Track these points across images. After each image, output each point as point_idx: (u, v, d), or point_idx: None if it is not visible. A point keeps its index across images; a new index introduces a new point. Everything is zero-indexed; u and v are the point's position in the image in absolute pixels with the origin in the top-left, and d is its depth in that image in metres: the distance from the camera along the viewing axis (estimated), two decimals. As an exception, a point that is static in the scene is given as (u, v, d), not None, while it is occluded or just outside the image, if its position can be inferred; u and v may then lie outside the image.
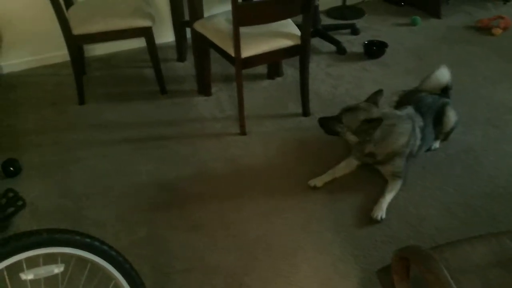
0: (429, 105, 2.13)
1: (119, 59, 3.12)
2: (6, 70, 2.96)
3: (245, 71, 2.28)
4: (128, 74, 2.97)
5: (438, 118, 2.15)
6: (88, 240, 1.09)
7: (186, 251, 1.79)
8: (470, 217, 1.90)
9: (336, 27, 3.42)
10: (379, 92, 2.01)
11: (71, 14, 2.48)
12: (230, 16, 2.07)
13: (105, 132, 2.45)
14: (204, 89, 2.72)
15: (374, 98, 2.01)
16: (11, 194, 1.48)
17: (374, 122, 1.91)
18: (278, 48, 2.27)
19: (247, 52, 2.18)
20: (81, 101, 2.65)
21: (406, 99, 2.22)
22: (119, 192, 2.07)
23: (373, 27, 3.46)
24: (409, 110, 2.09)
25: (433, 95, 2.19)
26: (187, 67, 3.01)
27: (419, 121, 2.06)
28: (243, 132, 2.40)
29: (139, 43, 3.08)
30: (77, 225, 1.89)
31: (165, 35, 3.20)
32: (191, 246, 1.81)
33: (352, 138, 2.00)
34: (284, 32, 2.31)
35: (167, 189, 2.08)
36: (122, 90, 2.80)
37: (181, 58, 3.07)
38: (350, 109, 1.98)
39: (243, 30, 2.09)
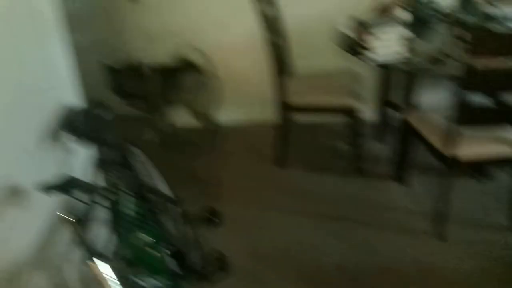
0: None
1: (322, 129, 3.23)
2: (224, 123, 3.33)
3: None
4: (327, 145, 3.05)
5: None
6: None
7: None
8: None
9: None
10: None
11: (290, 85, 2.69)
12: (447, 113, 1.96)
13: (297, 200, 2.52)
14: (399, 176, 2.61)
15: None
16: (218, 256, 1.59)
17: None
18: (496, 154, 2.04)
19: (462, 153, 2.02)
20: (280, 164, 2.81)
21: None
22: (301, 268, 2.08)
23: None
24: None
25: None
26: (385, 148, 2.94)
27: None
28: (439, 235, 2.19)
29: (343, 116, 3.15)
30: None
31: (368, 112, 3.20)
32: None
33: None
34: (506, 138, 2.08)
35: (351, 279, 2.01)
36: (318, 160, 2.89)
37: (380, 138, 3.03)
38: None
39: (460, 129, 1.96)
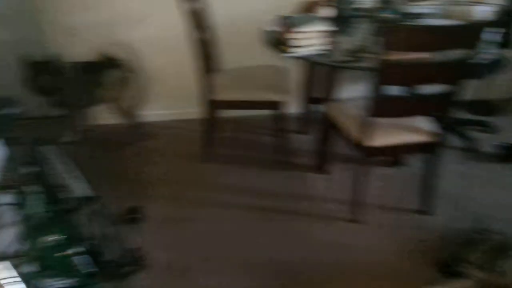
0: None
1: (247, 123, 3.29)
2: (148, 119, 3.28)
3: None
4: (252, 139, 3.11)
5: None
6: None
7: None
8: None
9: (471, 123, 3.25)
10: (481, 218, 1.83)
11: (215, 80, 2.70)
12: (364, 104, 2.08)
13: (224, 194, 2.55)
14: (321, 166, 2.72)
15: (482, 224, 1.82)
16: (135, 252, 1.59)
17: (501, 252, 1.73)
18: (408, 143, 2.21)
19: (375, 142, 2.15)
20: (206, 159, 2.81)
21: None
22: (232, 260, 2.10)
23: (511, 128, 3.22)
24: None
25: None
26: (308, 140, 3.06)
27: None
28: (356, 220, 2.33)
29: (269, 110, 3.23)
30: (186, 286, 1.95)
31: (292, 106, 3.30)
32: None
33: (478, 274, 1.81)
34: (417, 127, 2.24)
35: (280, 269, 2.06)
36: (245, 154, 2.93)
37: (304, 131, 3.14)
38: (469, 243, 1.81)
39: (374, 120, 2.08)
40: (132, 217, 2.24)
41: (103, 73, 2.90)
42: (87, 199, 1.65)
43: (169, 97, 3.29)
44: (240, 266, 2.06)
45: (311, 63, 2.80)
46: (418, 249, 2.16)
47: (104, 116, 3.14)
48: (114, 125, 3.13)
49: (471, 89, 3.35)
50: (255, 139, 3.12)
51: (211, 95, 2.59)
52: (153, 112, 3.31)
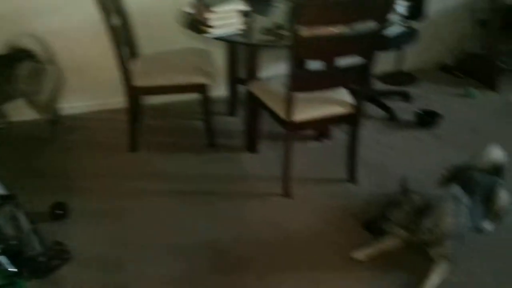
0: (479, 183, 2.07)
1: (173, 109, 3.24)
2: (67, 112, 3.12)
3: (294, 133, 2.30)
4: (180, 125, 3.07)
5: (489, 198, 2.07)
6: None
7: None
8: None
9: (389, 93, 3.42)
10: (405, 180, 1.95)
11: (134, 66, 2.62)
12: (285, 81, 2.12)
13: (155, 182, 2.50)
14: (251, 146, 2.75)
15: (405, 186, 1.94)
16: (58, 247, 1.53)
17: (422, 211, 1.84)
18: (329, 115, 2.28)
19: (298, 116, 2.20)
20: (133, 148, 2.74)
21: (455, 175, 2.16)
22: (163, 247, 2.07)
23: (426, 95, 3.43)
24: (454, 189, 2.02)
25: (484, 174, 2.12)
26: (237, 122, 3.07)
27: (465, 200, 1.98)
28: (287, 195, 2.39)
29: (194, 94, 3.18)
30: (119, 277, 1.91)
31: (218, 89, 3.29)
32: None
33: (401, 233, 1.93)
34: (337, 99, 2.32)
35: (212, 250, 2.07)
36: (173, 140, 2.89)
37: (231, 112, 3.15)
38: (393, 204, 1.92)
39: (296, 95, 2.13)
40: (57, 212, 2.15)
41: (15, 66, 2.71)
42: (2, 198, 1.56)
43: (91, 88, 3.14)
44: (175, 252, 2.04)
45: (232, 44, 2.80)
46: (346, 216, 2.25)
47: (21, 112, 2.95)
48: (33, 121, 2.95)
49: (386, 61, 3.52)
50: (184, 124, 3.09)
51: (131, 82, 2.52)
52: (75, 104, 3.15)
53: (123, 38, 2.55)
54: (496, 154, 2.17)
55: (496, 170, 2.15)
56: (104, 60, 2.81)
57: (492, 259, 2.01)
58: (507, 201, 2.11)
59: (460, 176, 2.12)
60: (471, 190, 2.03)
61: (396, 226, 1.91)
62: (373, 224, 1.95)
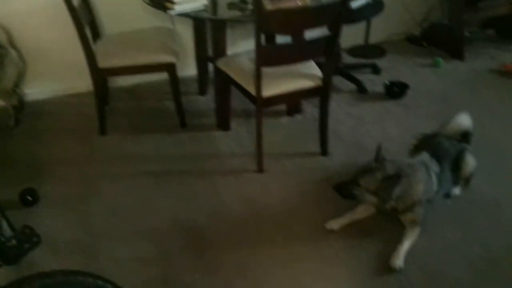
0: (447, 150, 2.11)
1: (142, 91, 3.18)
2: (31, 98, 3.03)
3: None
4: (150, 106, 3.02)
5: (456, 163, 2.12)
6: (100, 282, 1.08)
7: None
8: (493, 271, 1.83)
9: (358, 66, 3.43)
10: (380, 148, 1.97)
11: (98, 47, 2.55)
12: (253, 56, 2.10)
13: (126, 165, 2.46)
14: (223, 124, 2.73)
15: (380, 154, 1.97)
16: (27, 231, 1.50)
17: (393, 179, 1.87)
18: (299, 89, 2.28)
19: (267, 92, 2.20)
20: (103, 132, 2.69)
21: (424, 143, 2.21)
22: (137, 230, 2.06)
23: (395, 67, 3.46)
24: (424, 156, 2.06)
25: (452, 140, 2.16)
26: (208, 101, 3.04)
27: (434, 167, 2.03)
28: (260, 170, 2.39)
29: (163, 74, 3.13)
30: (92, 261, 1.89)
31: (188, 68, 3.25)
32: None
33: (371, 199, 1.95)
34: (306, 73, 2.32)
35: (186, 229, 2.06)
36: (143, 122, 2.84)
37: (202, 92, 3.12)
38: (365, 171, 1.93)
39: (264, 70, 2.11)
40: (27, 198, 2.10)
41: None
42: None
43: (56, 72, 3.04)
44: (149, 234, 2.03)
45: (198, 21, 2.76)
46: (319, 189, 2.28)
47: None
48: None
49: (354, 34, 3.52)
50: (155, 105, 3.04)
51: (96, 63, 2.45)
52: (40, 89, 3.05)
53: (85, 18, 2.47)
54: (463, 121, 2.22)
55: (464, 137, 2.20)
56: (67, 43, 2.73)
57: (462, 222, 2.07)
58: (473, 165, 2.17)
59: (429, 144, 2.16)
60: (440, 157, 2.07)
61: (366, 192, 1.93)
62: (344, 187, 1.97)
